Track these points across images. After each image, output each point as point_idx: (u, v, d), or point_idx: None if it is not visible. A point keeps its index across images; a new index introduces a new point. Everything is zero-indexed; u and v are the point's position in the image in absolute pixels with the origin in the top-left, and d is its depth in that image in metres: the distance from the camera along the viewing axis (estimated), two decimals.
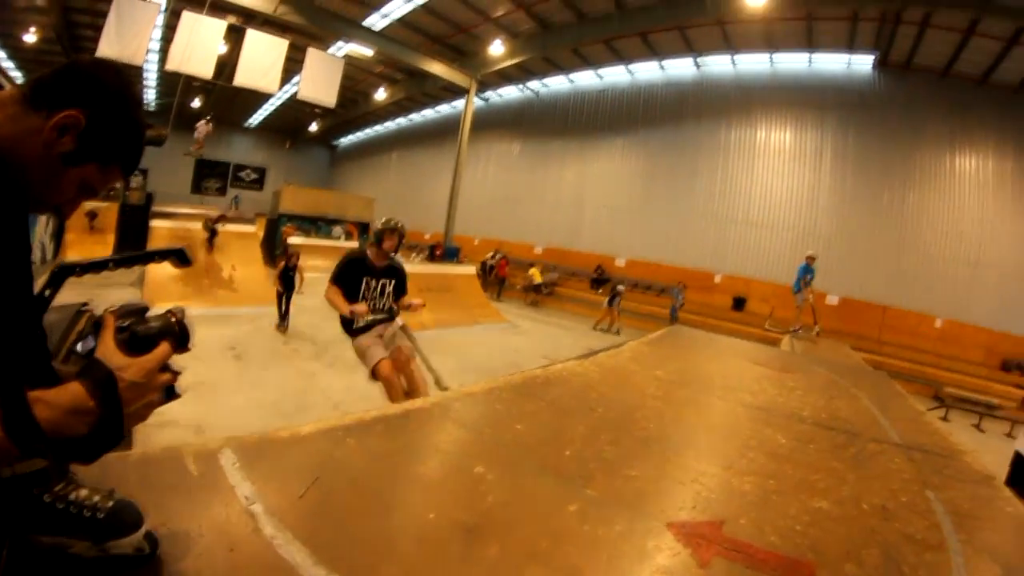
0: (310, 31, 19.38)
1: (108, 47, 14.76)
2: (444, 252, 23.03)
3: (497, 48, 21.24)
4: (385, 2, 19.74)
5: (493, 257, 22.43)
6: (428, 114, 32.83)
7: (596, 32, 19.82)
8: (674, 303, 18.57)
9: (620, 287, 17.68)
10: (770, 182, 20.49)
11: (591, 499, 2.04)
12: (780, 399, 4.48)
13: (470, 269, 16.66)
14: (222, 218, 13.67)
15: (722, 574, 1.68)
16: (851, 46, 18.71)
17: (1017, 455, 7.08)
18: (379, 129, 37.17)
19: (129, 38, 15.07)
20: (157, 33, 18.83)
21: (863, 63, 19.39)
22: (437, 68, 21.79)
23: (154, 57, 22.53)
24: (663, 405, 3.60)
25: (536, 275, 21.25)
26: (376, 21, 20.61)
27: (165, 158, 22.41)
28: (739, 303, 19.74)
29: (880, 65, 19.06)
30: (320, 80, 19.08)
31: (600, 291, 20.97)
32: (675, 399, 3.85)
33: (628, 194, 23.09)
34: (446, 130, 28.38)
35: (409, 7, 20.01)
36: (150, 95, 29.53)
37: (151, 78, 26.95)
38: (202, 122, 22.27)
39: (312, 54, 18.98)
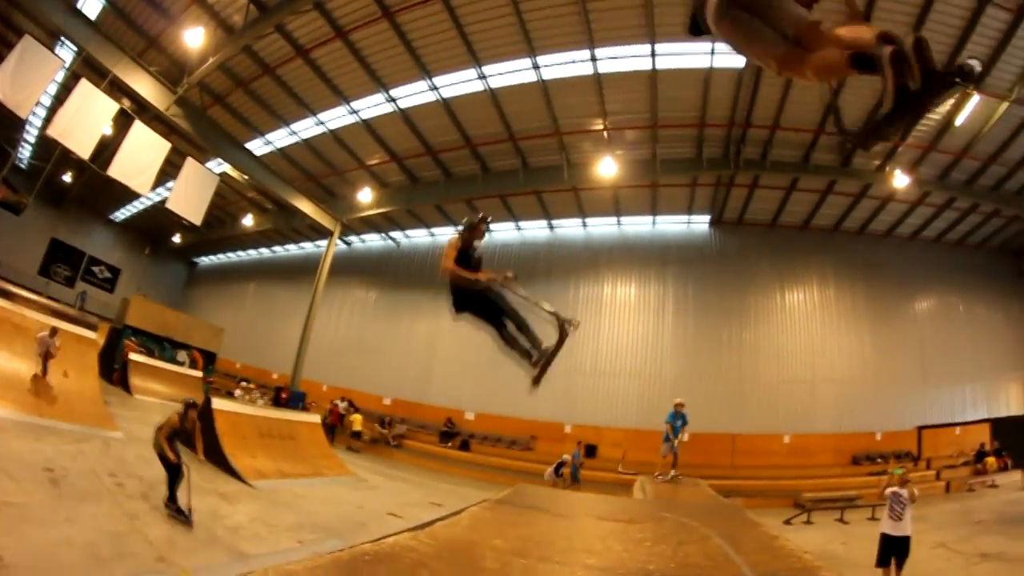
0: (194, 140, 18.80)
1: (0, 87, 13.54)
2: (290, 396, 21.62)
3: (366, 195, 21.83)
4: (271, 130, 20.38)
5: (343, 405, 21.97)
6: (292, 249, 32.44)
7: (460, 191, 21.36)
8: (574, 462, 18.25)
9: (566, 456, 17.56)
10: (617, 333, 22.24)
11: None
12: (626, 555, 4.32)
13: (315, 417, 15.83)
14: (54, 333, 11.83)
15: None
16: (690, 208, 22.14)
17: (882, 536, 7.83)
18: (241, 256, 36.04)
19: (22, 85, 13.85)
20: (52, 88, 17.95)
21: (701, 222, 22.72)
22: (306, 206, 21.78)
23: (41, 113, 21.01)
24: None
25: (357, 422, 20.72)
26: (259, 146, 20.91)
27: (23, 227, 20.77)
28: (591, 450, 20.07)
29: (715, 223, 22.59)
30: (192, 193, 18.37)
31: (449, 444, 20.89)
32: (512, 572, 3.52)
33: (477, 349, 22.65)
34: (306, 269, 27.58)
35: (292, 140, 20.77)
36: (24, 152, 27.15)
37: (31, 134, 24.65)
38: None
39: (190, 164, 18.35)
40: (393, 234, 27.27)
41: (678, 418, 12.98)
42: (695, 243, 22.89)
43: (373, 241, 28.52)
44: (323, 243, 25.46)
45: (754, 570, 3.89)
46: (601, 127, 18.02)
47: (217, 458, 9.74)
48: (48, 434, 8.82)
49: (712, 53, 15.14)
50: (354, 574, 3.00)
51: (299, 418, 15.17)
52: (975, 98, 15.59)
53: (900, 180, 18.49)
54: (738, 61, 15.24)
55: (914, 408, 21.46)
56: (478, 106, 17.97)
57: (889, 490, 8.01)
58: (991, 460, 19.74)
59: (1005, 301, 23.76)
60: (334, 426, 20.21)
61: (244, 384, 23.21)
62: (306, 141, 21.00)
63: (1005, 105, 16.01)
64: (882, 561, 7.82)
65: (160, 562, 5.56)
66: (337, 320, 27.51)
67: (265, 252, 34.32)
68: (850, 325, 22.21)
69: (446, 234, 25.69)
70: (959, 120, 16.51)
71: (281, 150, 21.59)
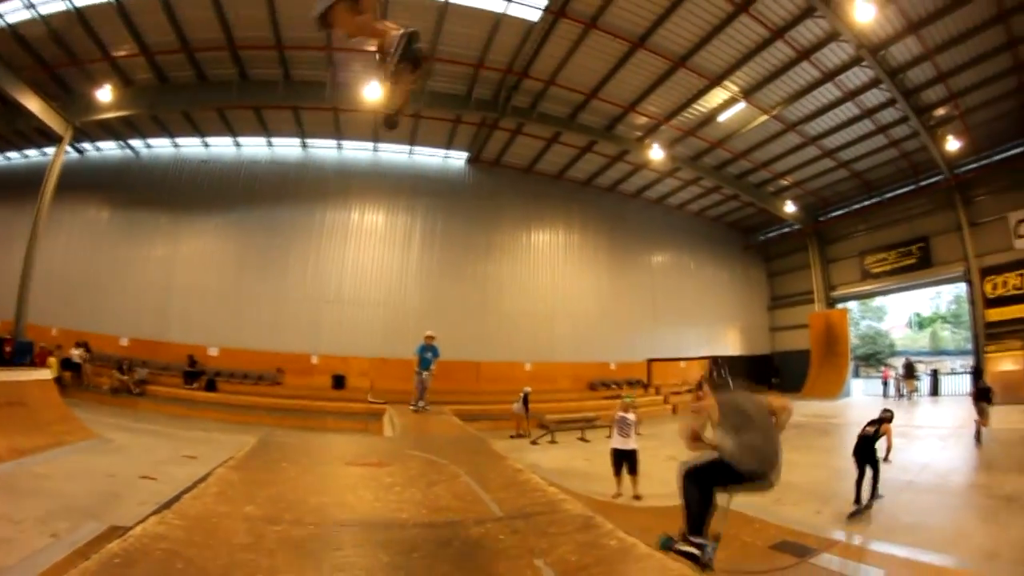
0: None
1: None
2: (14, 350, 17.02)
3: (106, 94, 18.23)
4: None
5: (78, 352, 18.65)
6: (14, 158, 24.58)
7: (213, 97, 19.01)
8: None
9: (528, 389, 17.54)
10: (364, 262, 22.00)
11: None
12: (378, 504, 4.30)
13: (44, 373, 13.27)
14: None
15: None
16: (450, 144, 22.56)
17: (613, 450, 9.71)
18: None
19: None
20: None
21: (458, 158, 23.34)
22: (34, 103, 17.19)
23: None
24: (256, 556, 3.08)
25: (53, 366, 16.72)
26: None
27: None
28: (339, 381, 20.03)
29: (473, 161, 23.40)
30: None
31: (195, 385, 18.80)
32: (267, 543, 3.31)
33: (219, 277, 21.36)
34: (30, 183, 20.38)
35: (27, 15, 16.22)
36: None
37: None
38: None
39: None
40: (133, 143, 22.95)
41: (428, 350, 13.30)
42: (450, 178, 23.47)
43: (109, 150, 23.54)
44: (52, 151, 20.95)
45: (501, 507, 4.16)
46: (374, 49, 16.90)
47: None
48: None
49: (510, 1, 15.26)
50: None
51: (29, 376, 12.53)
52: (741, 104, 18.90)
53: (656, 153, 21.00)
54: (534, 14, 15.70)
55: (645, 343, 25.78)
56: (251, 3, 15.89)
57: (617, 414, 9.91)
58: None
59: (730, 266, 30.86)
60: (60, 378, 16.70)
61: None
62: (44, 18, 16.33)
63: (764, 117, 19.81)
64: (616, 471, 9.75)
65: None
66: (66, 247, 21.76)
67: None
68: (591, 268, 25.31)
69: (192, 146, 22.59)
70: (722, 117, 19.79)
71: (12, 27, 16.67)
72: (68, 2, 16.23)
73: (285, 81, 18.22)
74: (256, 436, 8.60)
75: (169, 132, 22.07)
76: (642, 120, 20.42)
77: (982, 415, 13.39)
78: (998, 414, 15.31)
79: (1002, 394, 17.03)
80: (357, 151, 22.87)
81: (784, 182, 25.47)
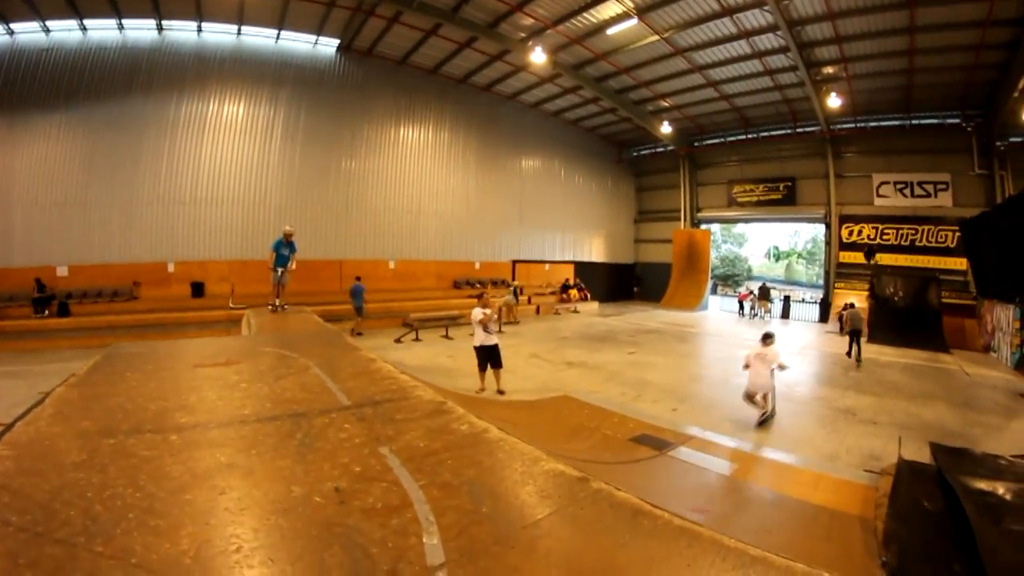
0: None
1: None
2: None
3: None
4: None
5: None
6: None
7: None
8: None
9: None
10: (220, 157, 19.71)
11: None
12: (221, 403, 4.10)
13: None
14: None
15: None
16: (320, 30, 20.43)
17: (476, 348, 9.90)
18: None
19: None
20: None
21: (328, 46, 21.36)
22: None
23: None
24: (87, 474, 2.69)
25: None
26: None
27: None
28: (198, 288, 18.53)
29: (344, 49, 21.55)
30: None
31: (46, 313, 16.08)
32: (100, 458, 2.90)
33: (65, 186, 17.85)
34: None
35: None
36: None
37: None
38: None
39: None
40: None
41: (285, 246, 12.31)
42: (317, 67, 21.42)
43: None
44: None
45: (350, 397, 4.14)
46: None
47: None
48: None
49: None
50: None
51: None
52: (633, 20, 18.41)
53: (538, 56, 20.27)
54: None
55: (511, 245, 26.31)
56: None
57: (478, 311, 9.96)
58: (574, 292, 27.20)
59: (601, 177, 31.71)
60: None
61: None
62: None
63: (655, 38, 19.59)
64: (481, 367, 9.97)
65: None
66: None
67: None
68: (461, 168, 24.85)
69: (30, 31, 17.52)
70: (611, 30, 19.31)
71: None
72: None
73: None
74: None
75: (2, 16, 17.29)
76: (528, 21, 19.44)
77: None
78: (840, 343, 17.23)
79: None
80: (218, 34, 19.91)
81: (664, 103, 25.93)
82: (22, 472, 2.79)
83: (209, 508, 2.36)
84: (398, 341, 15.84)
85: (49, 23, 17.58)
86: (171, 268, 18.59)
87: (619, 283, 31.93)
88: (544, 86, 24.71)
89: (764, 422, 8.32)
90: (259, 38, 20.34)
